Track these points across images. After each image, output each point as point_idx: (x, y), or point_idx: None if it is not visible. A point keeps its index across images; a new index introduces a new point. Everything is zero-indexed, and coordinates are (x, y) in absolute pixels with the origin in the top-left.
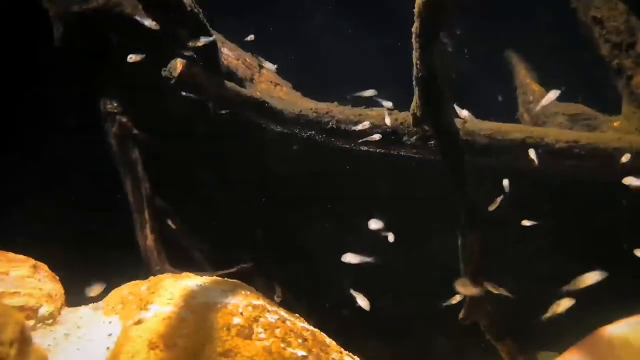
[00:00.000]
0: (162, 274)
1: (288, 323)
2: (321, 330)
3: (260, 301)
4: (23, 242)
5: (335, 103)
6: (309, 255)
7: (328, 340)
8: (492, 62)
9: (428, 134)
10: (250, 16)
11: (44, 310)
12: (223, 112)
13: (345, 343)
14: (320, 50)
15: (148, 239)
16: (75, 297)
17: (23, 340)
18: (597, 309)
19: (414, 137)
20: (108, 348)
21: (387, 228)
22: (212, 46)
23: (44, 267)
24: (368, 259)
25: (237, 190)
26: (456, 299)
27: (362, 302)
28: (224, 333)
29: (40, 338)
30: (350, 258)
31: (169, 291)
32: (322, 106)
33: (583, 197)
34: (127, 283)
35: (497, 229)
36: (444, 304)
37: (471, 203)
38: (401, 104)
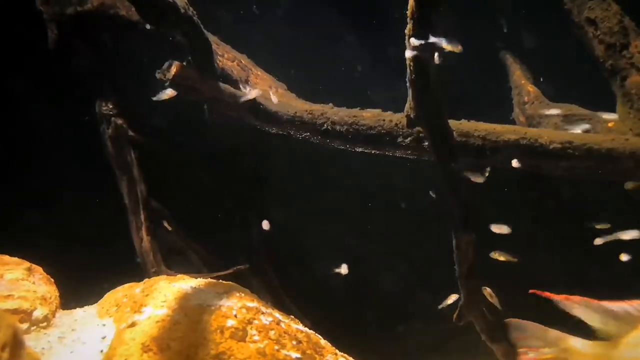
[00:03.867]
0: (158, 275)
1: (282, 325)
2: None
3: (254, 303)
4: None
5: (330, 104)
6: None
7: (323, 341)
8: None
9: (422, 135)
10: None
11: (38, 313)
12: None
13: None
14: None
15: (144, 241)
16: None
17: (16, 344)
18: None
19: (409, 139)
20: (102, 351)
21: None
22: (207, 48)
23: (38, 270)
24: None
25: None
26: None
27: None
28: (218, 335)
29: (34, 341)
30: None
31: (163, 294)
32: (317, 107)
33: None
34: (122, 285)
35: None
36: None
37: (465, 204)
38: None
